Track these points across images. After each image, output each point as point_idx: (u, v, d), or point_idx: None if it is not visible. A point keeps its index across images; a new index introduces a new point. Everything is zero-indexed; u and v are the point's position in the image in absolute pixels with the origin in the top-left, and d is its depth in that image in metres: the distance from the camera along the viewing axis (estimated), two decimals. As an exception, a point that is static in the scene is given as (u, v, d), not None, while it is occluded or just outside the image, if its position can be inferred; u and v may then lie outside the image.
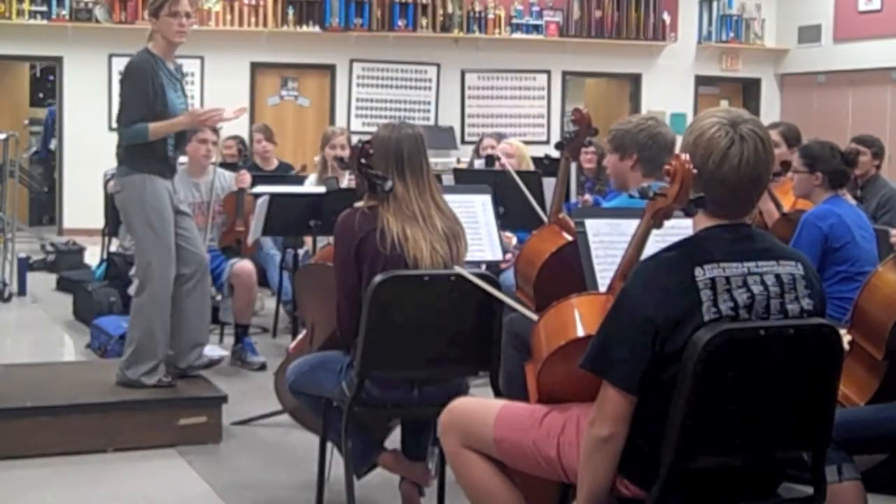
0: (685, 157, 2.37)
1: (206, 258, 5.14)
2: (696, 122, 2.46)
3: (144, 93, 4.68)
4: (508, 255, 4.95)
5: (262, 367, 5.87)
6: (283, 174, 7.84)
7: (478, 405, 2.82)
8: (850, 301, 3.64)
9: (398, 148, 3.46)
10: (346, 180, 6.32)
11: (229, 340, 6.32)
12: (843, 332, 3.26)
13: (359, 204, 3.50)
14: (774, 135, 5.39)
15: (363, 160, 3.45)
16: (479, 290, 3.39)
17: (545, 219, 4.37)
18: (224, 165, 6.74)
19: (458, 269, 3.33)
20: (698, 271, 2.36)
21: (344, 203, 3.88)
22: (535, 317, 2.91)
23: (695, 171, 2.36)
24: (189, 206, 5.46)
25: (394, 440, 3.91)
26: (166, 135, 4.73)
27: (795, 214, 4.73)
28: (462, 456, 2.76)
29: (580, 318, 2.68)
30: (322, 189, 6.03)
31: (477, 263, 4.51)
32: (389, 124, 3.56)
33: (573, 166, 6.86)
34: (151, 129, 4.67)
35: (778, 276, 2.43)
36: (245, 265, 6.13)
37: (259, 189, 6.08)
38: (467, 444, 2.75)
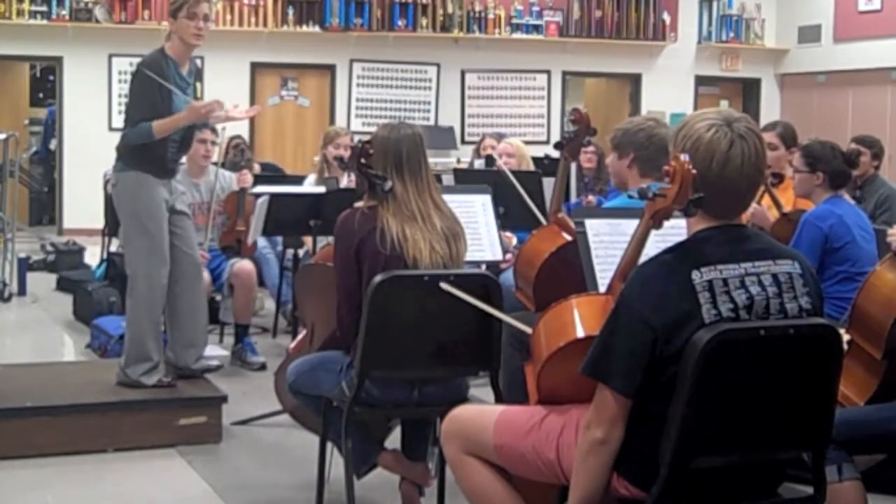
0: (684, 157, 2.36)
1: (200, 259, 5.12)
2: (689, 127, 2.44)
3: (152, 92, 4.68)
4: (508, 255, 4.95)
5: (263, 367, 5.87)
6: (280, 174, 7.85)
7: (478, 412, 2.82)
8: (851, 301, 3.64)
9: (397, 148, 3.47)
10: (346, 180, 6.32)
11: (229, 340, 6.32)
12: (841, 331, 3.27)
13: (359, 204, 3.50)
14: (771, 137, 5.37)
15: (363, 160, 3.45)
16: (480, 290, 3.40)
17: (543, 220, 4.37)
18: (223, 165, 6.74)
19: (445, 286, 3.30)
20: (695, 274, 2.36)
21: (344, 203, 3.88)
22: (528, 329, 2.91)
23: (694, 171, 2.36)
24: (189, 207, 5.46)
25: (394, 440, 3.92)
26: (171, 131, 4.71)
27: (795, 214, 4.73)
28: (464, 463, 2.76)
29: (580, 319, 2.67)
30: (322, 189, 6.03)
31: (477, 263, 4.51)
32: (388, 124, 3.57)
33: (573, 166, 6.87)
34: (155, 126, 4.65)
35: (775, 276, 2.43)
36: (245, 265, 6.13)
37: (259, 189, 6.08)
38: (469, 451, 2.75)
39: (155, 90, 4.67)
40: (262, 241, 6.70)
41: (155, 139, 4.68)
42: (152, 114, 4.68)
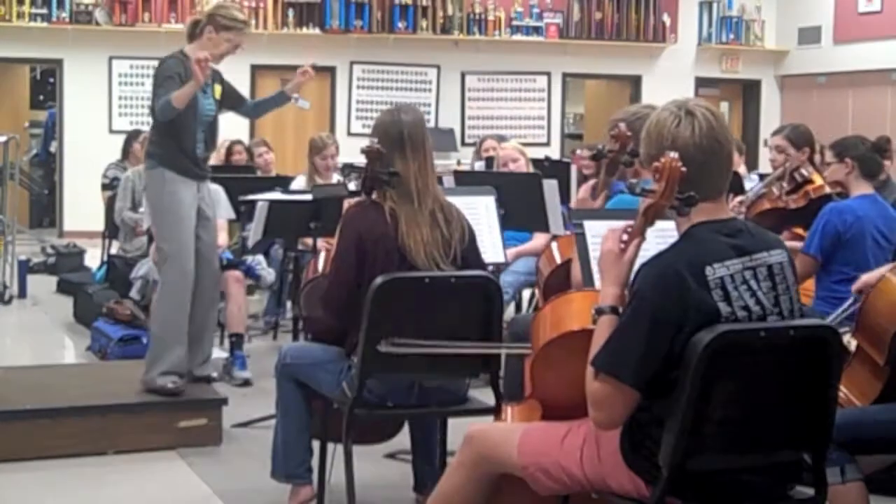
0: (673, 154, 2.39)
1: (219, 267, 5.14)
2: (648, 118, 2.55)
3: (172, 80, 4.66)
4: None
5: (247, 382, 5.66)
6: (273, 176, 7.83)
7: (500, 436, 2.78)
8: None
9: (399, 129, 3.47)
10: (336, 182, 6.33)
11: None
12: (847, 336, 3.27)
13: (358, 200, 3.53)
14: (779, 139, 5.38)
15: (377, 161, 3.44)
16: (480, 290, 3.40)
17: (550, 224, 4.33)
18: (233, 168, 6.71)
19: (442, 349, 3.29)
20: (708, 270, 2.39)
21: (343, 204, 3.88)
22: (528, 350, 2.95)
23: (683, 169, 2.37)
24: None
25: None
26: (188, 97, 4.62)
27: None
28: (465, 477, 2.76)
29: (577, 313, 2.72)
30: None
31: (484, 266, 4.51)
32: (388, 109, 3.60)
33: (574, 170, 6.87)
34: (174, 97, 4.61)
35: (770, 268, 2.47)
36: (233, 273, 6.07)
37: (253, 197, 6.00)
38: (485, 470, 2.74)
39: (176, 81, 4.67)
40: (257, 257, 6.65)
41: (177, 109, 4.60)
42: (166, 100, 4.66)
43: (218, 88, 4.96)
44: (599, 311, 2.47)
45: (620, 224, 2.57)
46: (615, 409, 2.39)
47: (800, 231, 4.90)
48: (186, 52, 4.79)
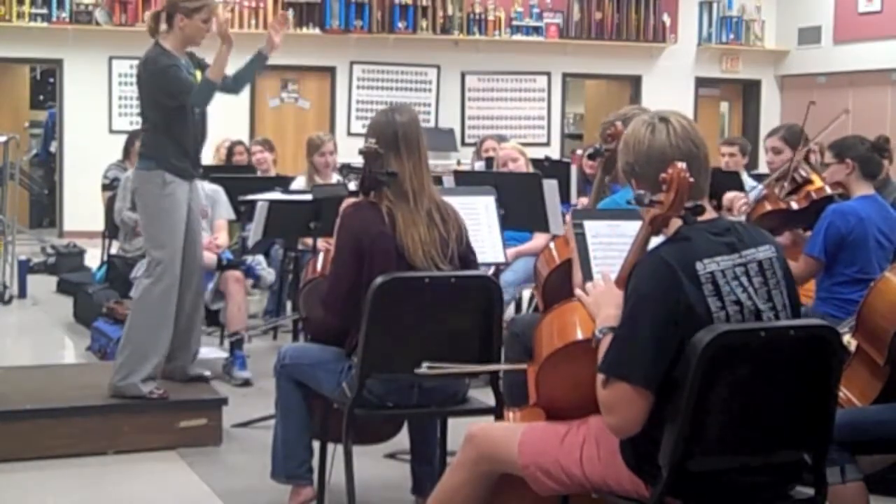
0: (681, 165, 2.39)
1: (203, 263, 5.12)
2: (625, 132, 2.61)
3: (179, 68, 4.66)
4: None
5: (247, 383, 5.66)
6: (273, 176, 7.85)
7: (500, 435, 2.79)
8: (852, 302, 3.63)
9: (394, 129, 3.48)
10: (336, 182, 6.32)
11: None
12: (847, 336, 3.26)
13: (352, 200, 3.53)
14: (775, 141, 5.37)
15: (375, 162, 3.45)
16: (480, 290, 3.40)
17: (550, 224, 4.33)
18: (233, 168, 6.71)
19: (427, 371, 3.28)
20: (699, 265, 2.40)
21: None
22: (525, 366, 2.94)
23: (691, 179, 2.38)
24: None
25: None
26: (223, 69, 4.65)
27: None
28: (466, 477, 2.76)
29: (581, 322, 2.69)
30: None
31: (488, 265, 4.51)
32: (382, 110, 3.60)
33: (574, 170, 6.88)
34: (210, 74, 4.60)
35: (760, 264, 2.49)
36: (233, 272, 6.07)
37: (253, 197, 6.01)
38: (486, 469, 2.75)
39: (181, 68, 4.67)
40: (257, 257, 6.65)
41: (217, 85, 4.62)
42: (172, 103, 4.66)
43: (199, 74, 4.86)
44: (601, 333, 2.47)
45: (605, 272, 2.62)
46: (628, 412, 2.38)
47: (801, 233, 4.89)
48: (163, 45, 4.73)
